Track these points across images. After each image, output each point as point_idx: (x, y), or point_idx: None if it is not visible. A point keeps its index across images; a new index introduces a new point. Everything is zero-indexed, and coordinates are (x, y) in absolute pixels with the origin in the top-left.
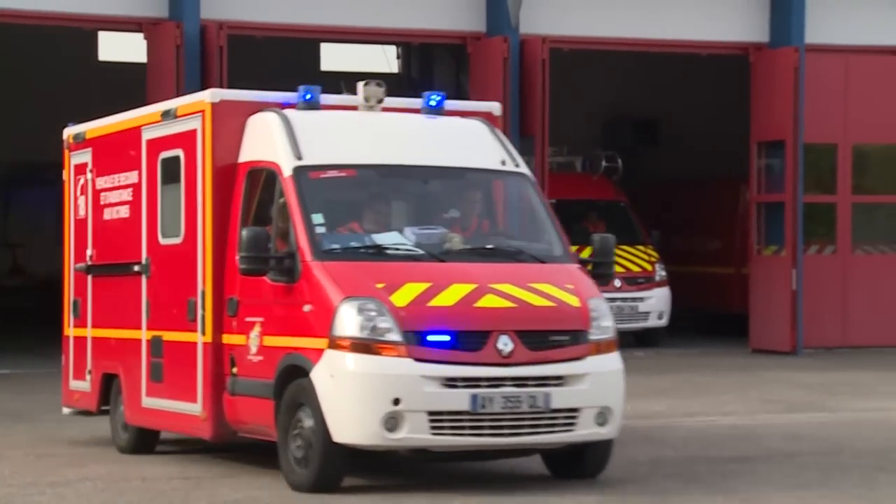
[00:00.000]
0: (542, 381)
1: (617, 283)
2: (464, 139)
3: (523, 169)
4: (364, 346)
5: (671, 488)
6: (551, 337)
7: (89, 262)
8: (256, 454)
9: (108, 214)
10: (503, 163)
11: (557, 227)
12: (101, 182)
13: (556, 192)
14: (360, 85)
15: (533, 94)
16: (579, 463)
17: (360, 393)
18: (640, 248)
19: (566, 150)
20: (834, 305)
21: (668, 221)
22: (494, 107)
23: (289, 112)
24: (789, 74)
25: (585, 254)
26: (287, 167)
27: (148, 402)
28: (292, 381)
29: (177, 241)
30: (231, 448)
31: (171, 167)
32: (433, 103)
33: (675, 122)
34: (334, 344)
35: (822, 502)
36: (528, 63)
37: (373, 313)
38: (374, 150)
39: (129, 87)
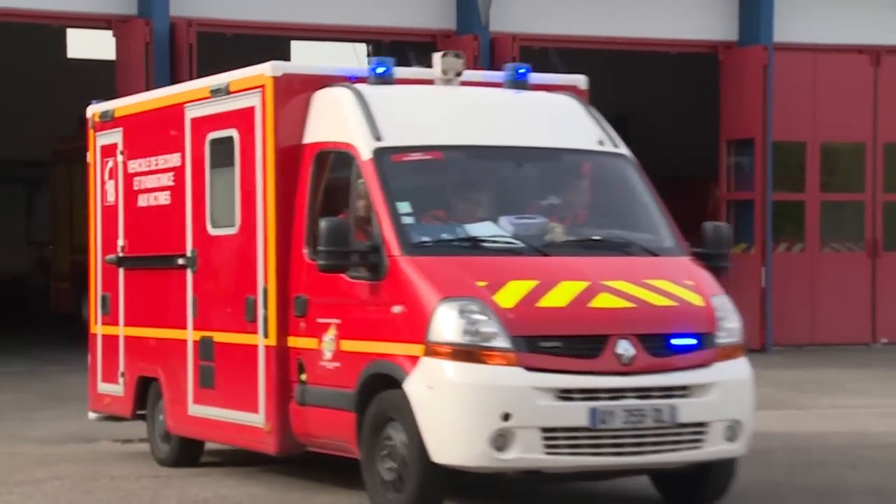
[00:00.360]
0: (667, 391)
1: None
2: (556, 116)
3: (623, 149)
4: (467, 353)
5: (641, 486)
6: (675, 341)
7: (121, 254)
8: (225, 453)
9: (144, 201)
10: (601, 143)
11: (666, 214)
12: (135, 165)
13: None
14: (437, 56)
15: None
16: (700, 484)
17: (465, 407)
18: None
19: None
20: (803, 303)
21: None
22: (580, 80)
23: (362, 87)
24: (758, 73)
25: None
26: (365, 149)
27: (196, 409)
28: (379, 391)
29: (231, 231)
30: (293, 460)
31: (222, 149)
32: (517, 76)
33: (645, 120)
34: (431, 351)
35: (790, 500)
36: (499, 61)
37: (476, 316)
38: (460, 129)
39: (97, 84)
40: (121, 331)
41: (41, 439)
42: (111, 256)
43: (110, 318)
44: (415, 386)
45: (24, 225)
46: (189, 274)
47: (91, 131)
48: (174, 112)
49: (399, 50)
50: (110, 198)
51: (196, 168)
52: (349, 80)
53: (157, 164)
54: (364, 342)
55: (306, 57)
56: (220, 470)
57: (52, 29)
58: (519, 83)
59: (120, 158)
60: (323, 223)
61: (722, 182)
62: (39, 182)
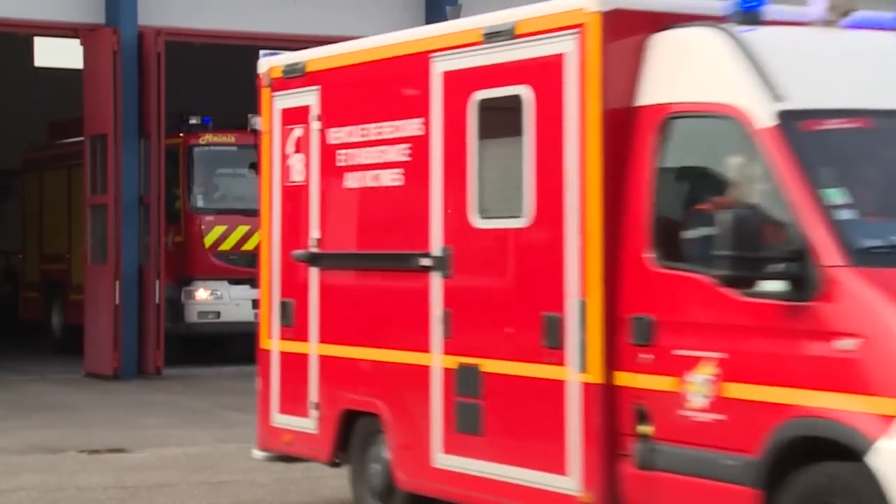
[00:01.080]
0: None
1: None
2: None
3: None
4: None
5: None
6: None
7: (316, 249)
8: (191, 464)
9: (355, 181)
10: None
11: None
12: (339, 135)
13: None
14: None
15: None
16: None
17: None
18: None
19: None
20: None
21: None
22: None
23: (737, 30)
24: None
25: None
26: (763, 113)
27: (447, 461)
28: (811, 463)
29: (515, 223)
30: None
31: (498, 113)
32: None
33: None
34: None
35: None
36: None
37: None
38: (884, 87)
39: (65, 93)
40: (313, 348)
41: (6, 449)
42: (301, 252)
43: (295, 331)
44: (891, 460)
45: None
46: (437, 279)
47: (265, 90)
48: (412, 64)
49: None
50: (296, 176)
51: (452, 139)
52: (700, 19)
53: (378, 134)
54: (774, 388)
55: None
56: (188, 481)
57: (18, 37)
58: None
59: (315, 126)
60: (729, 216)
61: None
62: (6, 191)
